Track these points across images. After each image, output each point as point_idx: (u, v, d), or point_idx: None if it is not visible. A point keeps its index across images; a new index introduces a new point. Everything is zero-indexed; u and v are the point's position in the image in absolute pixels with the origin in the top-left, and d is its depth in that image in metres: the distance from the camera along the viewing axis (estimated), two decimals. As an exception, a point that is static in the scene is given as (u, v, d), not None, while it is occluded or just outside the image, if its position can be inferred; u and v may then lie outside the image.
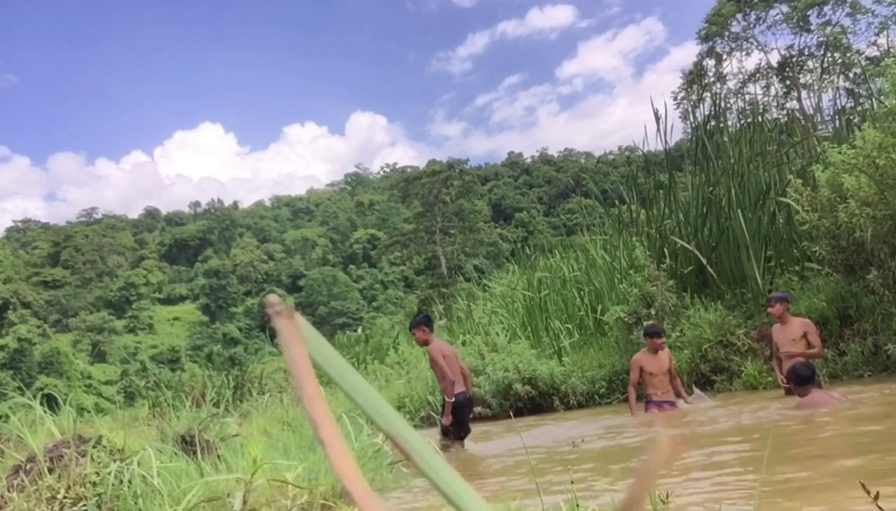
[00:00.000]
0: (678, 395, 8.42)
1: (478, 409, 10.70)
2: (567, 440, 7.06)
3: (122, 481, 3.92)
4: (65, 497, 3.81)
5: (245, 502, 3.42)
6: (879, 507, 1.81)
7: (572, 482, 2.99)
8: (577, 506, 2.85)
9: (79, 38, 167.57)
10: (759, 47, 34.11)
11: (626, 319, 10.50)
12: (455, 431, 7.54)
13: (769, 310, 8.03)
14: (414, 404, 11.54)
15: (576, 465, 5.55)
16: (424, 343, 7.64)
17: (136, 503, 3.82)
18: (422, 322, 7.66)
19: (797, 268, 10.22)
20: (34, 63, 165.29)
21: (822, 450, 5.27)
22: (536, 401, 10.68)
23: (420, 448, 0.37)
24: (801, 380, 6.75)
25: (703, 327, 9.89)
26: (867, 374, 8.23)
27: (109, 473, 3.91)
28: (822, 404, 6.43)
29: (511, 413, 9.28)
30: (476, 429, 9.76)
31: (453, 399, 7.44)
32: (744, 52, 34.30)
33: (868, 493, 1.80)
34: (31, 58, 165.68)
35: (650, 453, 0.32)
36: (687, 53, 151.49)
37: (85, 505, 3.77)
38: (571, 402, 10.56)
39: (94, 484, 3.88)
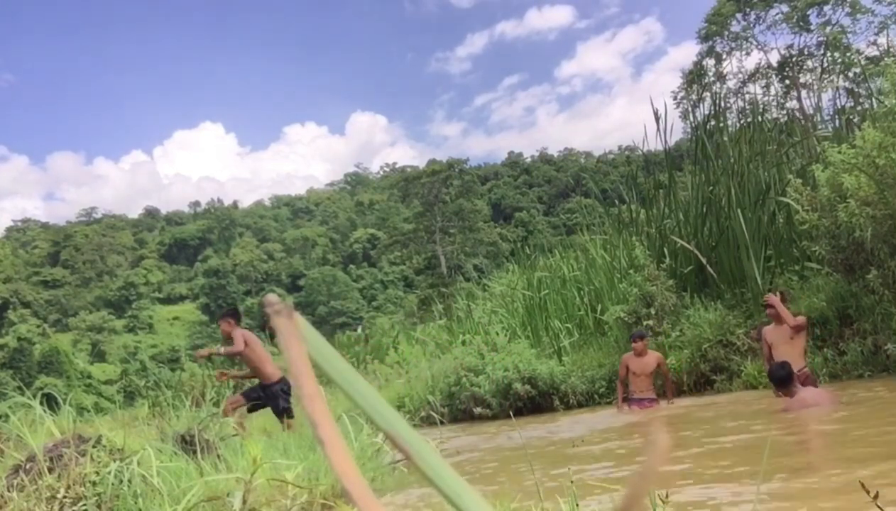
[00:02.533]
0: (667, 395, 9.07)
1: (477, 409, 10.71)
2: (567, 440, 7.06)
3: (121, 481, 3.92)
4: (64, 497, 3.81)
5: (245, 502, 3.42)
6: (879, 508, 1.81)
7: (572, 482, 2.99)
8: (577, 505, 2.85)
9: (78, 37, 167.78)
10: (759, 47, 34.10)
11: (626, 319, 10.50)
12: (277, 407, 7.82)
13: (767, 312, 8.00)
14: (413, 404, 11.53)
15: (575, 465, 5.55)
16: (229, 335, 7.87)
17: (135, 503, 3.82)
18: (228, 314, 8.02)
19: (797, 267, 10.22)
20: (32, 62, 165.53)
21: (819, 450, 5.28)
22: (536, 400, 10.68)
23: (420, 448, 0.37)
24: (779, 382, 6.65)
25: (702, 327, 9.89)
26: (867, 374, 8.23)
27: (109, 473, 3.91)
28: (811, 404, 6.38)
29: (511, 413, 9.27)
30: (476, 429, 9.77)
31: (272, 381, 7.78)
32: (743, 52, 34.28)
33: (868, 492, 1.80)
34: (28, 57, 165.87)
35: (649, 453, 0.32)
36: (685, 53, 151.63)
37: (85, 504, 3.77)
38: (571, 401, 10.55)
39: (94, 483, 3.88)
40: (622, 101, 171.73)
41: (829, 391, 6.81)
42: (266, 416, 9.62)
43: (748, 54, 34.36)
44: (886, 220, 7.90)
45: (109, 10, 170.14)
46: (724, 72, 34.32)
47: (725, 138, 12.92)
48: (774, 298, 7.83)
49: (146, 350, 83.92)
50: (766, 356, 7.86)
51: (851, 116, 12.53)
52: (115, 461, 4.03)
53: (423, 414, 11.17)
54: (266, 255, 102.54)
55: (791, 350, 7.56)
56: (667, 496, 2.49)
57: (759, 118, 13.93)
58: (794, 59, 33.13)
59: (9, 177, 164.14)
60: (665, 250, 11.76)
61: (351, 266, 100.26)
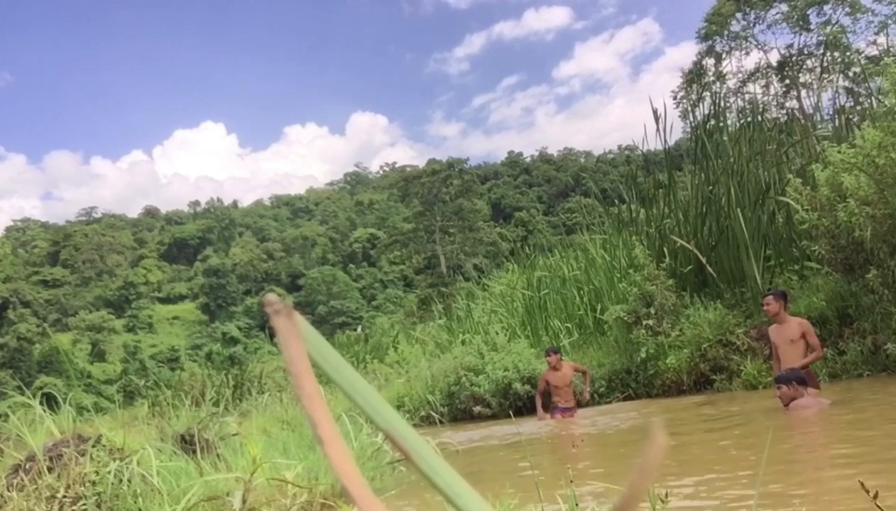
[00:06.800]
0: (585, 383, 9.91)
1: (477, 409, 10.71)
2: (567, 439, 7.06)
3: (121, 480, 3.92)
4: (64, 496, 3.81)
5: (245, 501, 3.42)
6: (879, 507, 1.81)
7: (571, 481, 3.00)
8: (577, 504, 2.85)
9: (76, 37, 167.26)
10: (759, 46, 34.09)
11: (626, 319, 10.50)
12: None
13: (765, 308, 7.90)
14: (413, 403, 11.53)
15: (575, 464, 5.55)
16: None
17: (135, 502, 3.82)
18: None
19: (796, 267, 10.22)
20: (30, 61, 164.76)
21: (819, 449, 5.28)
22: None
23: (419, 447, 0.37)
24: (794, 380, 6.66)
25: (702, 326, 9.89)
26: (866, 374, 8.23)
27: (109, 472, 3.91)
28: (808, 407, 6.40)
29: (511, 412, 9.28)
30: (476, 428, 9.77)
31: None
32: (743, 52, 34.27)
33: (867, 492, 1.80)
34: (26, 56, 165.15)
35: (648, 452, 0.32)
36: (683, 53, 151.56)
37: (84, 504, 3.78)
38: (571, 401, 10.56)
39: (94, 483, 3.88)
40: (621, 101, 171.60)
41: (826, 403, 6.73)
42: (266, 416, 9.63)
43: (748, 54, 34.38)
44: (886, 220, 7.90)
45: (108, 9, 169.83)
46: (724, 71, 34.32)
47: (725, 138, 12.92)
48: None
49: (146, 350, 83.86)
50: (775, 356, 7.80)
51: (851, 116, 12.53)
52: (114, 461, 4.03)
53: (423, 414, 11.17)
54: (266, 254, 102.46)
55: (793, 351, 7.55)
56: (666, 496, 2.49)
57: (759, 118, 13.93)
58: (793, 59, 33.12)
59: (6, 176, 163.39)
60: (665, 250, 11.76)
61: (351, 266, 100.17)
